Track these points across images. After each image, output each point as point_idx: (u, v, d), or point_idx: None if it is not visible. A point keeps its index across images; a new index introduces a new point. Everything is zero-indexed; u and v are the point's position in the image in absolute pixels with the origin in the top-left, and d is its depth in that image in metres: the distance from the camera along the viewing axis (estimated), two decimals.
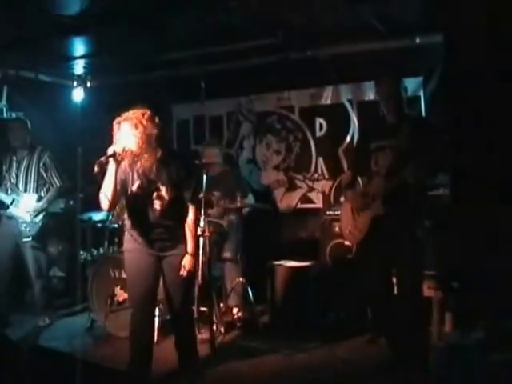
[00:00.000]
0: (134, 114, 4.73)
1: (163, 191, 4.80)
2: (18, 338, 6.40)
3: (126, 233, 5.07)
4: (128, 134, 4.67)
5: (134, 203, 4.90)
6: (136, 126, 4.67)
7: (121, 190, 4.78)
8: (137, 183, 4.80)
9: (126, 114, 4.74)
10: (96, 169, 4.49)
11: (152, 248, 4.90)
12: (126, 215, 5.11)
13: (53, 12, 6.01)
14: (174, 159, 4.90)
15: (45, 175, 6.95)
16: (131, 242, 4.99)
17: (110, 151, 4.56)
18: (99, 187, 4.70)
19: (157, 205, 4.81)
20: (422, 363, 4.95)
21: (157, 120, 4.80)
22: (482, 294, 5.91)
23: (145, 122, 4.70)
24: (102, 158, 4.55)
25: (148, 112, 4.78)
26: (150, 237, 4.88)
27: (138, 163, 4.75)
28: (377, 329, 5.92)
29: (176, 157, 4.98)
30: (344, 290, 6.52)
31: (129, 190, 4.82)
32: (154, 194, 4.81)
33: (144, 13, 5.98)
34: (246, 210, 7.04)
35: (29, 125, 7.06)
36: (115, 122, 4.76)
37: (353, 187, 5.45)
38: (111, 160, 4.57)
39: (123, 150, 4.59)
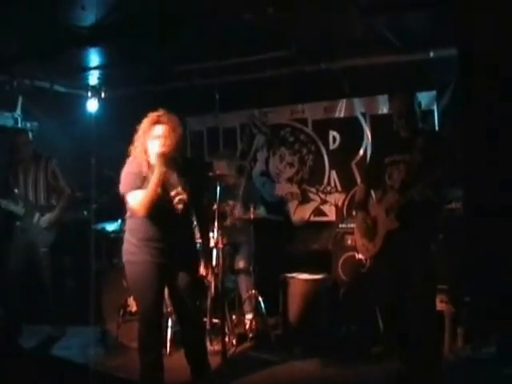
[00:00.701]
0: (170, 117, 4.80)
1: (183, 195, 4.83)
2: (30, 347, 6.42)
3: (129, 243, 5.01)
4: (164, 136, 4.71)
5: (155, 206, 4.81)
6: (174, 130, 4.75)
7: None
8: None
9: (162, 116, 4.79)
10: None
11: (158, 258, 4.85)
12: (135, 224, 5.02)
13: (68, 23, 6.05)
14: (191, 168, 4.92)
15: (54, 183, 6.94)
16: (134, 254, 4.93)
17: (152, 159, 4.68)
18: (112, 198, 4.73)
19: (178, 209, 4.83)
20: (433, 377, 4.94)
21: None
22: (494, 307, 5.88)
23: (179, 127, 4.81)
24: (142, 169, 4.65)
25: (177, 117, 4.88)
26: (159, 246, 4.85)
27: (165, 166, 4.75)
28: (389, 342, 5.91)
29: (192, 166, 4.99)
30: (357, 303, 6.51)
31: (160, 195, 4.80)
32: (176, 199, 4.83)
33: (158, 24, 6.00)
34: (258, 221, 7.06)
35: (30, 135, 7.05)
36: (150, 122, 4.78)
37: (366, 201, 5.45)
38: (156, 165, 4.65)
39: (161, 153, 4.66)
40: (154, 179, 4.63)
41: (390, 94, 5.55)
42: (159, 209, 4.75)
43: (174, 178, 4.80)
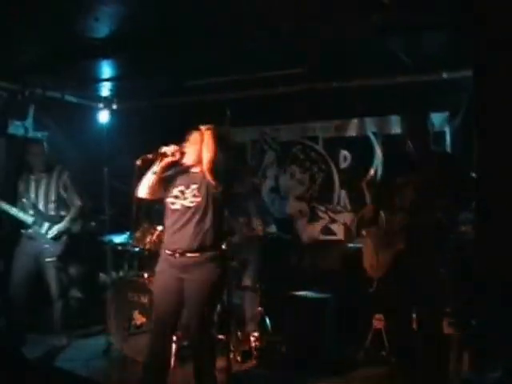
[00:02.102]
0: (207, 127, 4.99)
1: (202, 206, 4.85)
2: (34, 357, 6.40)
3: (162, 252, 5.09)
4: (193, 144, 4.91)
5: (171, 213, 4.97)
6: (215, 139, 4.89)
7: (161, 185, 4.93)
8: (179, 188, 4.93)
9: (204, 125, 5.01)
10: (139, 162, 4.62)
11: (174, 264, 4.91)
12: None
13: (82, 34, 6.07)
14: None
15: (65, 195, 6.95)
16: (163, 262, 5.04)
17: (163, 149, 4.73)
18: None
19: (188, 210, 4.87)
20: None
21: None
22: (501, 332, 5.84)
23: (219, 139, 4.93)
24: (150, 155, 4.67)
25: (214, 130, 5.02)
26: (173, 248, 4.90)
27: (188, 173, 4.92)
28: (395, 363, 5.88)
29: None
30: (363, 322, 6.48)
31: (170, 193, 4.93)
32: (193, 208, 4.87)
33: (171, 38, 6.01)
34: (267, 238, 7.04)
35: (45, 146, 7.07)
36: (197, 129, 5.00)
37: (375, 222, 5.42)
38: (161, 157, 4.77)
39: (177, 151, 4.77)
40: (151, 169, 4.84)
41: (402, 114, 5.52)
42: (176, 218, 4.90)
43: (196, 185, 4.87)
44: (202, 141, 4.88)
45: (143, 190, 4.87)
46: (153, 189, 4.88)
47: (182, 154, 4.84)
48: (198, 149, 4.87)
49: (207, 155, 4.81)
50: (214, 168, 4.79)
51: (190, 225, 4.83)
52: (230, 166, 4.99)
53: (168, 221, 5.00)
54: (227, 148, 4.98)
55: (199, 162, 4.87)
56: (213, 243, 4.96)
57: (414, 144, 5.12)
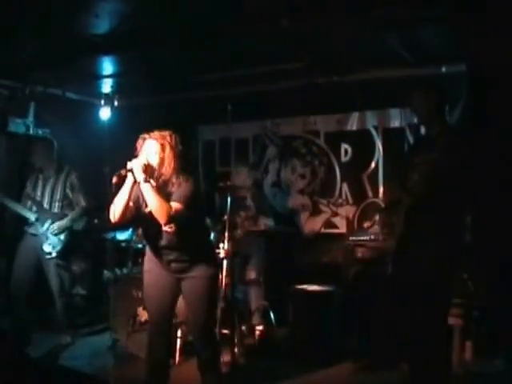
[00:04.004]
0: (162, 133, 4.71)
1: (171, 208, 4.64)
2: (38, 355, 6.41)
3: (147, 252, 5.05)
4: (152, 152, 4.64)
5: (148, 223, 4.79)
6: (162, 146, 4.65)
7: (133, 206, 4.72)
8: None
9: (153, 133, 4.72)
10: (114, 180, 4.49)
11: (169, 269, 4.86)
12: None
13: (82, 31, 6.08)
14: (191, 182, 4.80)
15: (71, 195, 6.95)
16: (150, 262, 4.98)
17: (129, 165, 4.53)
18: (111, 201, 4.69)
19: (167, 228, 4.71)
20: None
21: (180, 144, 4.78)
22: (503, 321, 5.85)
23: (171, 144, 4.69)
24: (122, 171, 4.53)
25: (174, 135, 4.77)
26: (166, 258, 4.82)
27: (156, 183, 4.64)
28: (399, 354, 5.89)
29: (193, 179, 4.87)
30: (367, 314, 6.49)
31: (142, 208, 4.75)
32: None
33: (171, 35, 6.02)
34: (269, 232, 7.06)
35: (55, 144, 7.07)
36: (141, 138, 4.73)
37: (393, 203, 5.27)
38: (130, 174, 4.51)
39: (144, 165, 4.51)
40: (120, 191, 4.59)
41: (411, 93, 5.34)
42: (152, 225, 4.71)
43: (166, 194, 4.71)
44: (162, 151, 4.66)
45: (116, 215, 4.63)
46: (126, 213, 4.67)
47: (150, 167, 4.59)
48: (160, 160, 4.65)
49: (170, 169, 4.68)
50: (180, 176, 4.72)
51: (174, 239, 4.75)
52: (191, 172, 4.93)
53: (151, 237, 4.90)
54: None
55: (165, 174, 4.69)
56: (202, 245, 5.00)
57: (420, 121, 5.01)
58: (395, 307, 5.26)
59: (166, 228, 4.69)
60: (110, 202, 4.64)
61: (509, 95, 5.89)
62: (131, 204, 4.69)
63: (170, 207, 4.51)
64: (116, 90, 8.44)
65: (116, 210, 4.62)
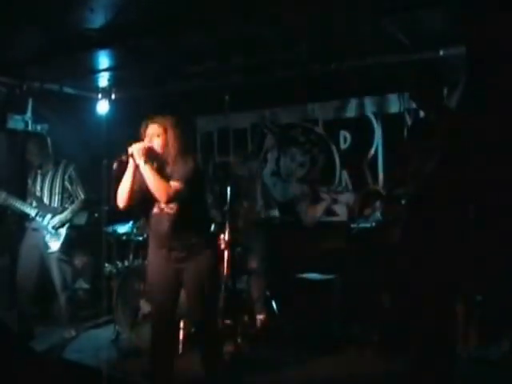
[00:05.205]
0: (163, 117, 4.86)
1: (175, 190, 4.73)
2: (43, 349, 6.43)
3: (150, 243, 5.09)
4: (155, 134, 4.78)
5: (150, 207, 4.90)
6: (164, 128, 4.79)
7: (138, 190, 4.79)
8: None
9: (155, 117, 4.86)
10: (115, 165, 4.59)
11: (170, 259, 4.90)
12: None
13: (78, 25, 6.06)
14: (191, 161, 4.86)
15: (70, 188, 6.97)
16: (153, 254, 5.04)
17: (130, 150, 4.62)
18: (115, 186, 4.74)
19: (168, 210, 4.80)
20: (446, 376, 4.86)
21: (181, 128, 4.90)
22: (508, 306, 5.84)
23: (172, 125, 4.83)
24: (123, 156, 4.60)
25: (175, 117, 4.90)
26: (168, 245, 4.87)
27: (159, 164, 4.80)
28: (403, 341, 5.89)
29: (193, 159, 4.93)
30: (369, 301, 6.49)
31: (145, 191, 4.77)
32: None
33: (168, 25, 6.00)
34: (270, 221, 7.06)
35: (49, 140, 7.08)
36: (144, 124, 4.86)
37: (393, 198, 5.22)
38: (131, 159, 4.64)
39: (143, 148, 4.63)
40: (124, 176, 4.71)
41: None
42: (154, 211, 4.88)
43: (168, 177, 4.77)
44: (164, 133, 4.81)
45: (122, 200, 4.76)
46: (132, 197, 4.78)
47: (150, 150, 4.72)
48: (163, 141, 4.80)
49: (172, 150, 4.80)
50: (182, 160, 4.81)
51: (175, 222, 4.80)
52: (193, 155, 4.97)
53: (153, 222, 4.95)
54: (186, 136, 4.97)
55: (167, 156, 4.81)
56: (202, 231, 5.00)
57: (420, 101, 4.96)
58: (399, 295, 5.25)
59: (167, 210, 4.76)
60: (115, 188, 4.76)
61: (509, 77, 5.88)
62: (136, 188, 4.76)
63: (170, 186, 4.62)
64: (113, 83, 8.42)
65: (122, 195, 4.75)
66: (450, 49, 6.71)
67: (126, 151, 4.64)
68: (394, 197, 5.09)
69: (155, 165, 4.73)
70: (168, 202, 4.68)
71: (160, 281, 4.96)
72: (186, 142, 4.99)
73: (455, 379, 4.94)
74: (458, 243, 4.85)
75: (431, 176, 4.62)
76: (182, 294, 5.12)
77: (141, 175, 4.69)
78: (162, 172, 4.73)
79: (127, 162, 4.68)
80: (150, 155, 4.69)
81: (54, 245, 6.84)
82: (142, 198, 4.84)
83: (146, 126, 4.84)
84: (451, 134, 4.59)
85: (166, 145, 4.78)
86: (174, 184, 4.65)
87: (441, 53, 6.79)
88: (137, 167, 4.66)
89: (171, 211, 4.78)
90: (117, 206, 4.85)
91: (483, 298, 6.04)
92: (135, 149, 4.62)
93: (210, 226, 5.39)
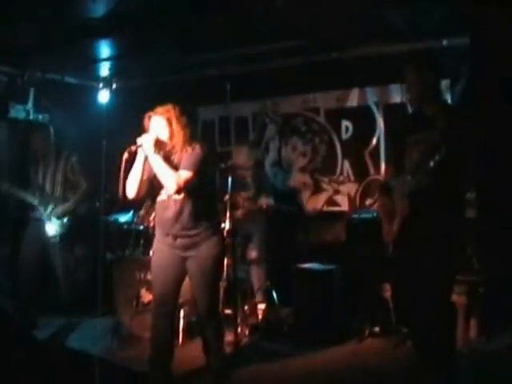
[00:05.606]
0: (165, 108, 4.88)
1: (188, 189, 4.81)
2: (44, 338, 6.44)
3: (156, 231, 5.14)
4: (161, 127, 4.82)
5: (156, 196, 4.98)
6: (169, 120, 4.83)
7: (147, 180, 4.88)
8: None
9: (158, 108, 4.88)
10: (125, 156, 4.64)
11: (175, 246, 4.94)
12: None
13: (79, 14, 6.05)
14: (198, 149, 4.89)
15: (72, 178, 6.98)
16: (158, 242, 5.09)
17: (139, 141, 4.68)
18: (124, 177, 4.76)
19: (175, 197, 4.84)
20: (446, 369, 4.85)
21: (186, 117, 4.94)
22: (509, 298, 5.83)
23: (176, 116, 4.86)
24: (132, 146, 4.65)
25: (177, 106, 4.92)
26: (173, 232, 4.90)
27: (168, 155, 4.83)
28: (401, 333, 5.90)
29: (199, 146, 4.94)
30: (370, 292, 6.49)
31: (154, 182, 4.88)
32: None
33: (169, 15, 5.99)
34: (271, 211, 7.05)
35: (51, 130, 7.08)
36: (146, 116, 4.89)
37: (390, 184, 5.19)
38: (140, 150, 4.71)
39: (153, 140, 4.68)
40: (134, 166, 4.78)
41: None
42: (161, 200, 4.96)
43: (176, 166, 4.79)
44: (169, 124, 4.84)
45: (132, 191, 4.83)
46: (142, 188, 4.87)
47: (159, 141, 4.77)
48: (169, 133, 4.84)
49: (180, 140, 4.85)
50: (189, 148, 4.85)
51: (182, 209, 4.83)
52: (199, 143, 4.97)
53: (159, 209, 5.01)
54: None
55: (175, 146, 4.86)
56: (208, 219, 5.00)
57: (412, 98, 4.93)
58: (398, 286, 5.24)
59: (174, 196, 4.81)
60: (123, 179, 4.75)
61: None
62: (145, 179, 4.86)
63: (179, 175, 4.69)
64: (114, 72, 8.41)
65: (131, 187, 4.82)
66: (454, 39, 6.69)
67: (135, 142, 4.71)
68: (388, 189, 5.07)
69: (163, 155, 4.78)
70: (178, 191, 4.74)
71: (164, 267, 5.00)
72: (192, 130, 5.02)
73: (455, 374, 4.93)
74: (456, 235, 4.85)
75: (433, 171, 4.61)
76: (184, 282, 5.14)
77: (149, 166, 4.78)
78: (170, 162, 4.79)
79: (136, 153, 4.75)
80: (159, 146, 4.75)
81: (57, 234, 6.86)
82: (151, 188, 4.94)
83: (149, 119, 4.87)
84: (450, 129, 4.57)
85: (173, 135, 4.83)
86: (184, 173, 4.71)
87: (444, 43, 6.77)
88: (146, 158, 4.73)
89: (178, 198, 4.83)
90: (125, 197, 4.87)
91: (484, 290, 6.03)
92: (144, 140, 4.68)
93: (217, 214, 5.38)
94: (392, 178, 5.08)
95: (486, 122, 5.97)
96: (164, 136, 4.81)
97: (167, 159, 4.79)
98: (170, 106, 4.88)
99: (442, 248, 4.73)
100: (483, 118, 5.95)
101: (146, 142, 4.67)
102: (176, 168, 4.75)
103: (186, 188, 4.74)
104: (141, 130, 4.85)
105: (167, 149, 4.85)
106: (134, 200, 4.95)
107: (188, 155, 4.80)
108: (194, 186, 4.78)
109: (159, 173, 4.70)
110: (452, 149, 4.50)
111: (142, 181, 4.81)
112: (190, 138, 4.90)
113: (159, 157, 4.71)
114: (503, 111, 6.06)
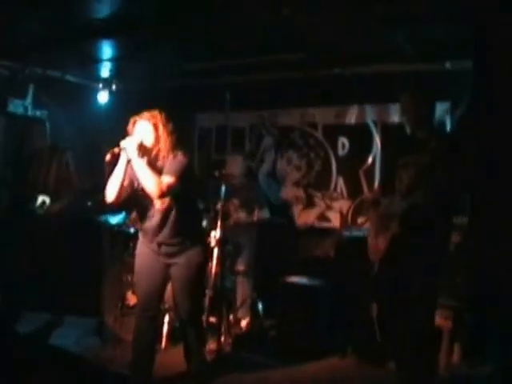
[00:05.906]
0: (152, 113, 4.82)
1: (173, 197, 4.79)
2: (26, 333, 6.41)
3: (140, 235, 5.12)
4: (146, 132, 4.74)
5: (141, 202, 4.90)
6: (155, 125, 4.76)
7: (128, 185, 4.82)
8: None
9: (145, 113, 4.82)
10: (108, 157, 4.56)
11: (159, 253, 4.92)
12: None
13: (83, 14, 6.06)
14: (182, 156, 4.84)
15: (65, 174, 6.98)
16: (142, 246, 5.06)
17: (122, 144, 4.60)
18: (106, 179, 4.73)
19: (159, 206, 4.80)
20: None
21: (173, 123, 4.88)
22: (494, 325, 5.82)
23: (163, 122, 4.80)
24: (115, 149, 4.58)
25: (164, 113, 4.87)
26: (157, 239, 4.88)
27: (152, 161, 4.77)
28: (385, 350, 5.89)
29: (184, 154, 4.88)
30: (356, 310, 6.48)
31: (136, 187, 4.83)
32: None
33: (171, 21, 6.01)
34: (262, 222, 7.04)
35: (47, 126, 7.10)
36: (132, 120, 4.84)
37: (379, 203, 5.26)
38: (123, 153, 4.62)
39: (137, 144, 4.61)
40: (115, 170, 4.70)
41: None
42: (144, 205, 4.88)
43: (159, 172, 4.73)
44: (155, 129, 4.77)
45: (111, 195, 4.74)
46: (122, 193, 4.77)
47: (143, 145, 4.69)
48: (154, 138, 4.77)
49: (164, 146, 4.79)
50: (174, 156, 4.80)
51: (166, 218, 4.81)
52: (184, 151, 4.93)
53: (143, 217, 4.95)
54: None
55: (159, 151, 4.79)
56: (193, 228, 5.02)
57: (405, 120, 4.99)
58: (383, 306, 5.25)
59: (158, 205, 4.76)
60: (105, 181, 4.73)
61: None
62: (126, 184, 4.77)
63: (162, 181, 4.60)
64: (114, 74, 8.43)
65: (111, 191, 4.73)
66: (456, 62, 6.71)
67: (118, 145, 4.62)
68: (379, 204, 5.11)
69: (147, 161, 4.71)
70: (160, 196, 4.67)
71: (148, 272, 4.98)
72: (179, 137, 4.95)
73: None
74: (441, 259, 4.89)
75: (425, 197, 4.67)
76: (169, 288, 5.13)
77: (132, 170, 4.70)
78: (153, 167, 4.71)
79: (119, 156, 4.66)
80: (143, 150, 4.68)
81: (50, 232, 6.85)
82: (132, 194, 4.87)
83: (134, 123, 4.82)
84: (438, 156, 4.64)
85: (158, 141, 4.76)
86: (166, 179, 4.64)
87: (447, 65, 6.79)
88: (128, 162, 4.66)
89: (162, 206, 4.79)
90: (104, 202, 4.84)
91: (470, 316, 6.02)
92: (128, 143, 4.60)
93: (201, 222, 5.39)
94: (383, 197, 5.13)
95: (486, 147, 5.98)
96: (149, 141, 4.73)
97: (151, 165, 4.70)
98: (156, 112, 4.83)
99: (427, 271, 4.77)
100: (482, 143, 5.97)
101: (129, 146, 4.58)
102: (160, 174, 4.67)
103: (168, 194, 4.68)
104: (125, 133, 4.79)
105: (152, 155, 4.78)
106: (113, 204, 4.85)
107: (171, 161, 4.75)
108: (177, 194, 4.75)
109: (142, 177, 4.60)
110: (440, 175, 4.56)
111: (122, 185, 4.71)
112: (176, 145, 4.84)
113: (143, 161, 4.63)
114: (504, 138, 6.05)
